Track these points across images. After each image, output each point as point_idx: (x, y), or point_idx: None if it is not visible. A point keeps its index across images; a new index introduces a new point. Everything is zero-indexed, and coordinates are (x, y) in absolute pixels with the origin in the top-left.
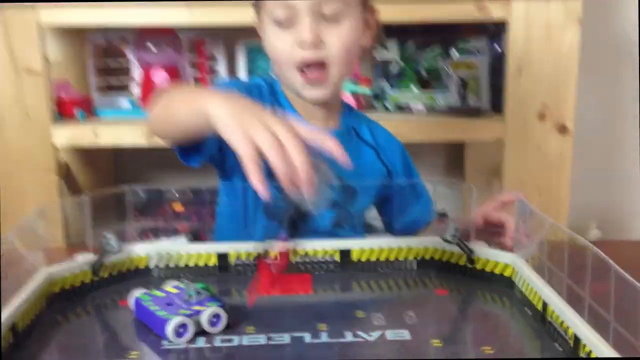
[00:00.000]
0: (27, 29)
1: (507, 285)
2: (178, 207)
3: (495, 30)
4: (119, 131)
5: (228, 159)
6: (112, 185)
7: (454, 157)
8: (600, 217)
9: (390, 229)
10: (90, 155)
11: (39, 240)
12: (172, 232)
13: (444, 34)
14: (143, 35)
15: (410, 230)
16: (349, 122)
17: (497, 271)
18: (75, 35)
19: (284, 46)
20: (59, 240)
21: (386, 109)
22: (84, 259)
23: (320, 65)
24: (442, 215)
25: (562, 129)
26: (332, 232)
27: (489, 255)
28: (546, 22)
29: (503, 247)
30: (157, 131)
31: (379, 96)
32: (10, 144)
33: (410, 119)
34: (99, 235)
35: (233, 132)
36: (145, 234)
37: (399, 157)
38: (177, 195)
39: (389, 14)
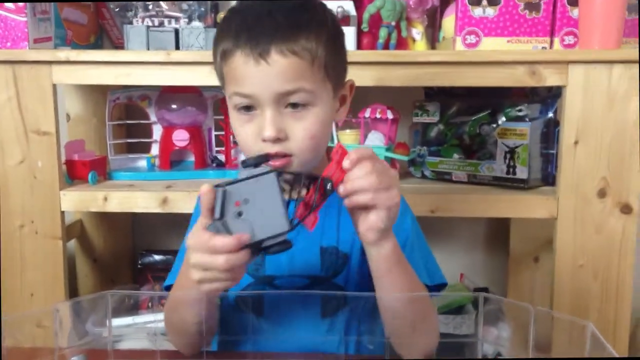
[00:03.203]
0: (39, 89)
1: None
2: None
3: (547, 96)
4: (130, 196)
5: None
6: (129, 245)
7: (497, 228)
8: None
9: None
10: (106, 216)
11: None
12: None
13: (490, 98)
14: (165, 93)
15: None
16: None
17: None
18: (96, 90)
19: (246, 137)
20: None
21: (424, 176)
22: None
23: (283, 155)
24: None
25: (625, 208)
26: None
27: None
28: (607, 88)
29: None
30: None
31: (416, 162)
32: (15, 207)
33: (450, 188)
34: None
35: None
36: (162, 302)
37: None
38: None
39: (433, 78)
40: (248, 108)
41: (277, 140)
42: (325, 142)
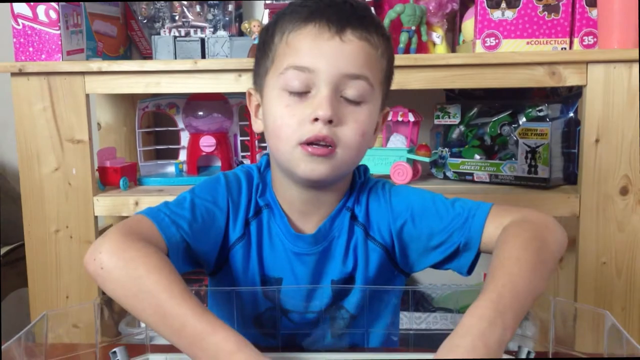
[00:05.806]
0: (73, 99)
1: None
2: None
3: (568, 95)
4: (160, 201)
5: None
6: None
7: None
8: None
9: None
10: None
11: None
12: None
13: (511, 99)
14: (192, 101)
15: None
16: (347, 204)
17: None
18: (125, 99)
19: (290, 120)
20: None
21: (446, 177)
22: None
23: (327, 146)
24: None
25: None
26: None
27: None
28: (627, 87)
29: None
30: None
31: (437, 164)
32: (50, 213)
33: (472, 189)
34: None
35: None
36: None
37: (388, 223)
38: None
39: (454, 80)
40: (300, 95)
41: (329, 122)
42: (364, 153)
